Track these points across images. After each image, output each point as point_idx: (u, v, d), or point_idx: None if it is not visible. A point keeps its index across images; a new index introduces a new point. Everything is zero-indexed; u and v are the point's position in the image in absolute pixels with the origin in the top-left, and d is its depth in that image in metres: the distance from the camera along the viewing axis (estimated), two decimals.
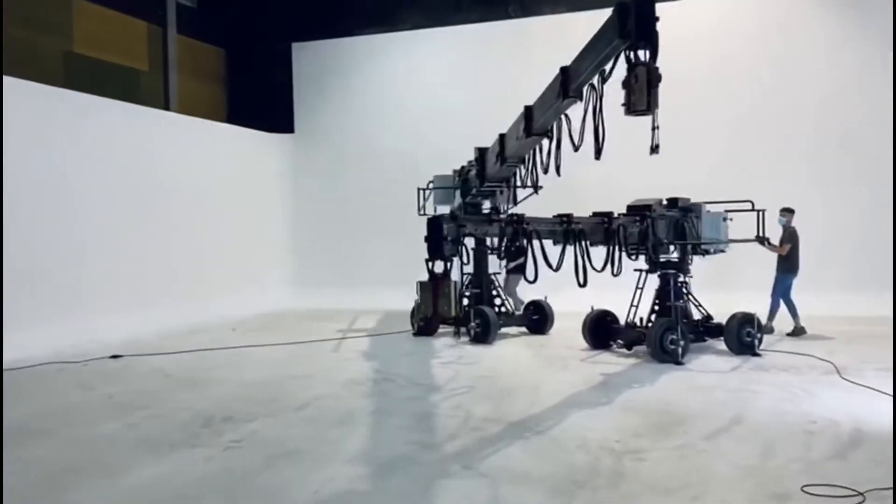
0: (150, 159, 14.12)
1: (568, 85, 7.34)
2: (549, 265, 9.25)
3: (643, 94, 5.84)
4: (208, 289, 15.19)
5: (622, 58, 6.29)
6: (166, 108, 15.65)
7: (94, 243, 12.60)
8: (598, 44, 6.62)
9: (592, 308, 11.14)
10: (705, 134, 15.22)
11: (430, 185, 12.31)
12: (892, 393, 7.73)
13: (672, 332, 9.81)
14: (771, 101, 15.13)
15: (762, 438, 6.36)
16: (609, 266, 9.48)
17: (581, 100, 7.34)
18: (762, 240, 11.09)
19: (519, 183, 11.32)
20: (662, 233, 10.39)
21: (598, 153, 7.18)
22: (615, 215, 10.01)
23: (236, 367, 10.03)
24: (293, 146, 18.34)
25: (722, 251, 10.93)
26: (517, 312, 12.60)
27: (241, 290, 16.13)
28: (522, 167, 10.84)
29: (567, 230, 9.56)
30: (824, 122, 14.88)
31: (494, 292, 12.58)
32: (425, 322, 12.45)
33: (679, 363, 9.67)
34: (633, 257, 10.18)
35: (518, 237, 9.49)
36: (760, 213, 10.74)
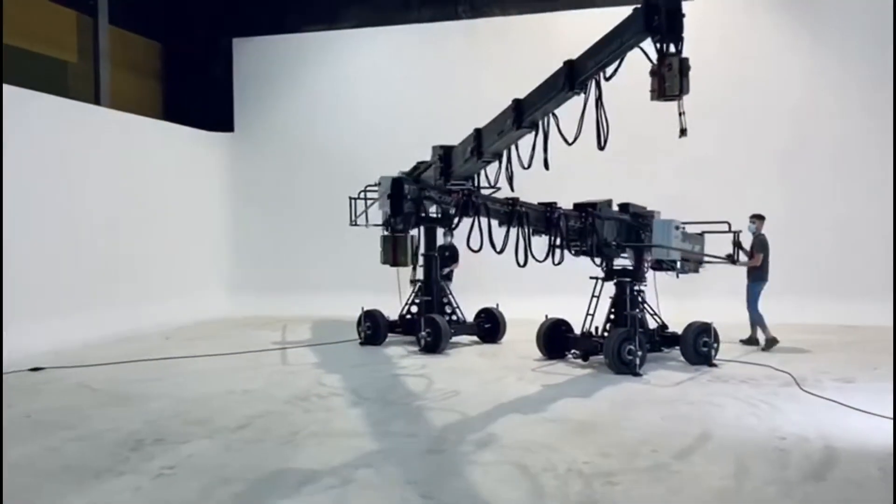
0: (78, 156, 13.19)
1: (574, 78, 7.84)
2: (493, 246, 9.37)
3: (677, 80, 6.52)
4: (141, 294, 14.32)
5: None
6: (97, 102, 14.72)
7: (13, 244, 11.60)
8: (617, 39, 7.21)
9: (547, 317, 10.81)
10: (679, 146, 15.05)
11: (376, 186, 11.46)
12: (855, 406, 7.60)
13: (630, 343, 9.54)
14: (739, 108, 15.11)
15: (733, 456, 6.07)
16: (551, 259, 9.72)
17: (584, 93, 7.86)
18: (734, 260, 10.94)
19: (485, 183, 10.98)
20: (610, 234, 10.08)
21: (603, 144, 7.67)
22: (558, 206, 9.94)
23: (170, 380, 9.33)
24: (233, 145, 17.58)
25: (694, 271, 10.81)
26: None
27: (176, 295, 15.28)
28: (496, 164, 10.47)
29: (511, 212, 9.50)
30: (794, 130, 14.94)
31: (445, 300, 12.13)
32: (373, 330, 11.95)
33: (637, 374, 9.40)
34: (574, 252, 9.87)
35: (468, 209, 9.50)
36: (736, 235, 10.74)
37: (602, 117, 7.73)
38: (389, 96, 16.59)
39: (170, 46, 17.51)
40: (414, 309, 12.15)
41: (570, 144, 8.18)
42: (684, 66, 6.49)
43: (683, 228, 10.30)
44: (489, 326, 12.22)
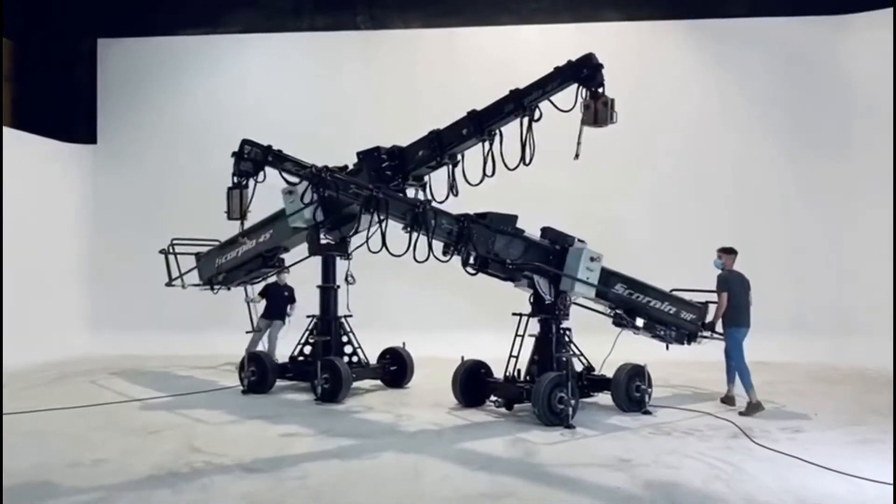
0: None
1: (521, 100, 8.61)
2: (387, 249, 8.24)
3: (608, 112, 8.07)
4: None
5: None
6: None
7: None
8: (554, 81, 8.46)
9: (463, 359, 9.49)
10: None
11: (289, 193, 9.84)
12: (820, 463, 6.71)
13: (561, 390, 8.34)
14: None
15: None
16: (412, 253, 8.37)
17: (528, 116, 8.61)
18: (709, 325, 9.89)
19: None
20: (505, 251, 8.76)
21: (528, 161, 8.52)
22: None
23: None
24: (95, 159, 15.57)
25: (679, 342, 9.82)
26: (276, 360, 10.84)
27: (23, 332, 12.88)
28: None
29: (369, 197, 8.42)
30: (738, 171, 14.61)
31: (345, 338, 10.60)
32: (259, 376, 10.25)
33: (570, 427, 8.21)
34: (446, 257, 8.61)
35: (370, 204, 8.37)
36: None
37: (530, 140, 8.58)
38: (276, 109, 15.09)
39: (24, 44, 15.21)
40: (309, 349, 10.57)
41: (510, 170, 8.66)
42: (612, 103, 8.08)
43: (600, 258, 9.10)
44: (395, 369, 10.77)
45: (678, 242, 14.07)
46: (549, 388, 8.29)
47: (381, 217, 8.25)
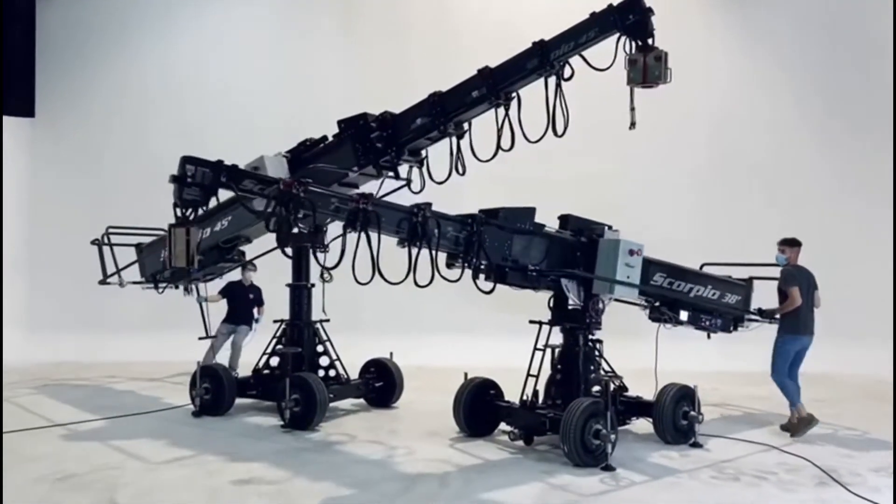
0: None
1: (547, 55, 6.94)
2: (381, 276, 6.19)
3: (662, 68, 6.47)
4: None
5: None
6: None
7: None
8: (589, 31, 6.81)
9: (467, 377, 7.67)
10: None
11: (254, 170, 8.05)
12: None
13: (598, 421, 6.53)
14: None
15: None
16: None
17: (556, 75, 7.01)
18: (768, 315, 8.17)
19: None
20: (525, 254, 6.97)
21: (562, 130, 6.98)
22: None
23: None
24: (33, 136, 13.83)
25: (725, 329, 8.08)
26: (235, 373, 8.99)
27: None
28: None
29: (355, 210, 6.30)
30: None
31: (321, 348, 8.72)
32: (213, 394, 8.34)
33: (609, 468, 6.41)
34: (452, 272, 6.74)
35: (357, 218, 6.27)
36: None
37: (561, 104, 6.98)
38: (239, 76, 13.55)
39: None
40: (276, 361, 8.68)
41: (532, 142, 7.10)
42: (667, 57, 6.57)
43: (640, 252, 7.36)
44: (381, 385, 8.91)
45: (710, 234, 12.42)
46: (582, 420, 6.47)
47: (372, 230, 6.28)
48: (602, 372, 7.44)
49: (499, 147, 7.15)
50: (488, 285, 6.78)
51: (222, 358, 9.73)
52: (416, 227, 6.38)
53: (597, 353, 7.42)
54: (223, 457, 6.71)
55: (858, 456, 6.96)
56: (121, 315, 12.60)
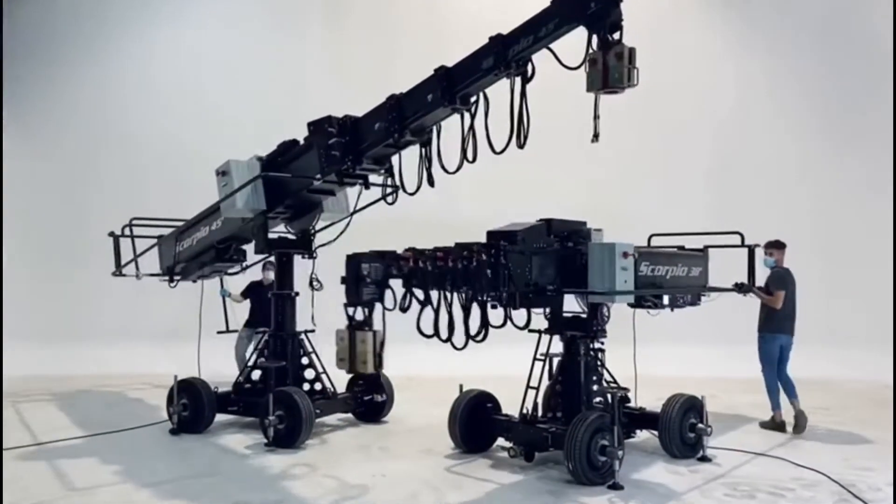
0: None
1: (505, 52, 5.97)
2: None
3: (625, 69, 5.46)
4: None
5: None
6: None
7: None
8: (548, 23, 5.79)
9: (462, 389, 7.25)
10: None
11: (222, 175, 7.69)
12: None
13: (604, 436, 6.12)
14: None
15: None
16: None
17: (518, 75, 6.02)
18: (744, 289, 7.82)
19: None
20: (540, 273, 6.51)
21: (523, 142, 6.04)
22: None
23: None
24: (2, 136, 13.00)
25: (691, 303, 7.48)
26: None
27: None
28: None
29: (411, 271, 6.27)
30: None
31: (305, 360, 8.25)
32: (192, 410, 7.84)
33: (617, 486, 6.00)
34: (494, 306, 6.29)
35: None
36: (751, 251, 7.75)
37: (524, 109, 6.02)
38: (218, 74, 13.10)
39: None
40: (258, 374, 8.21)
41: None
42: (632, 54, 5.51)
43: (632, 254, 6.99)
44: (370, 399, 8.44)
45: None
46: (588, 435, 6.06)
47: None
48: (604, 383, 7.08)
49: (464, 157, 6.37)
50: (520, 317, 6.29)
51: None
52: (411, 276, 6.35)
53: (598, 362, 7.04)
54: (198, 483, 6.20)
55: (877, 469, 6.61)
56: (102, 325, 12.24)
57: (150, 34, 13.32)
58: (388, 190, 7.43)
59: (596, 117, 5.70)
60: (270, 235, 8.04)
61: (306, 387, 8.09)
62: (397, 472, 6.52)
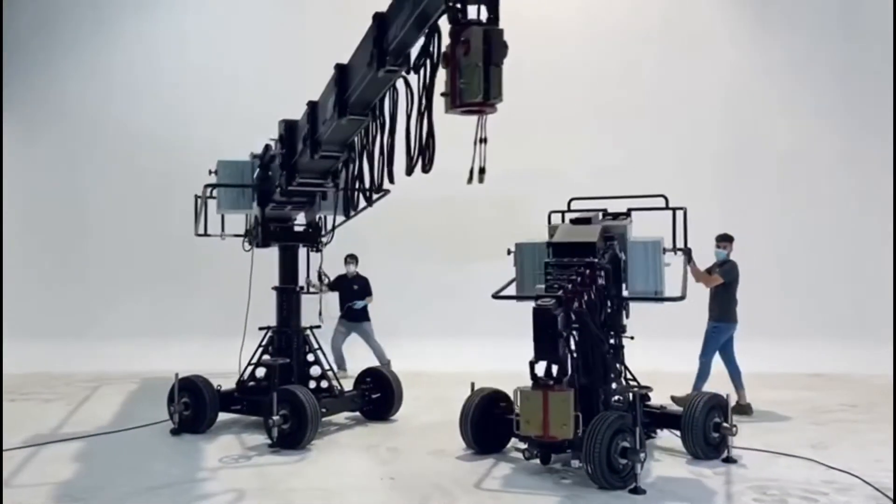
0: None
1: (382, 46, 4.64)
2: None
3: (478, 75, 3.63)
4: None
5: None
6: None
7: None
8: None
9: (474, 387, 6.94)
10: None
11: (211, 177, 7.59)
12: None
13: (625, 438, 5.80)
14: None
15: None
16: None
17: (411, 71, 4.61)
18: (687, 253, 7.46)
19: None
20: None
21: (426, 164, 4.56)
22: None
23: None
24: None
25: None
26: (342, 374, 8.16)
27: None
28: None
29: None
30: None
31: (311, 357, 7.97)
32: (193, 409, 7.57)
33: (640, 491, 5.69)
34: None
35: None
36: (678, 214, 7.14)
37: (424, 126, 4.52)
38: (227, 59, 12.93)
39: None
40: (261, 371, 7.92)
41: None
42: (495, 44, 3.61)
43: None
44: (378, 396, 8.16)
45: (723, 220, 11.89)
46: (608, 437, 5.74)
47: None
48: (623, 381, 6.78)
49: (371, 185, 5.83)
50: None
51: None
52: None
53: (618, 360, 6.74)
54: (197, 489, 5.92)
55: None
56: (104, 322, 12.12)
57: (153, 20, 13.16)
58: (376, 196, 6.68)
59: (474, 159, 4.18)
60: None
61: (312, 385, 7.80)
62: (407, 474, 6.23)
